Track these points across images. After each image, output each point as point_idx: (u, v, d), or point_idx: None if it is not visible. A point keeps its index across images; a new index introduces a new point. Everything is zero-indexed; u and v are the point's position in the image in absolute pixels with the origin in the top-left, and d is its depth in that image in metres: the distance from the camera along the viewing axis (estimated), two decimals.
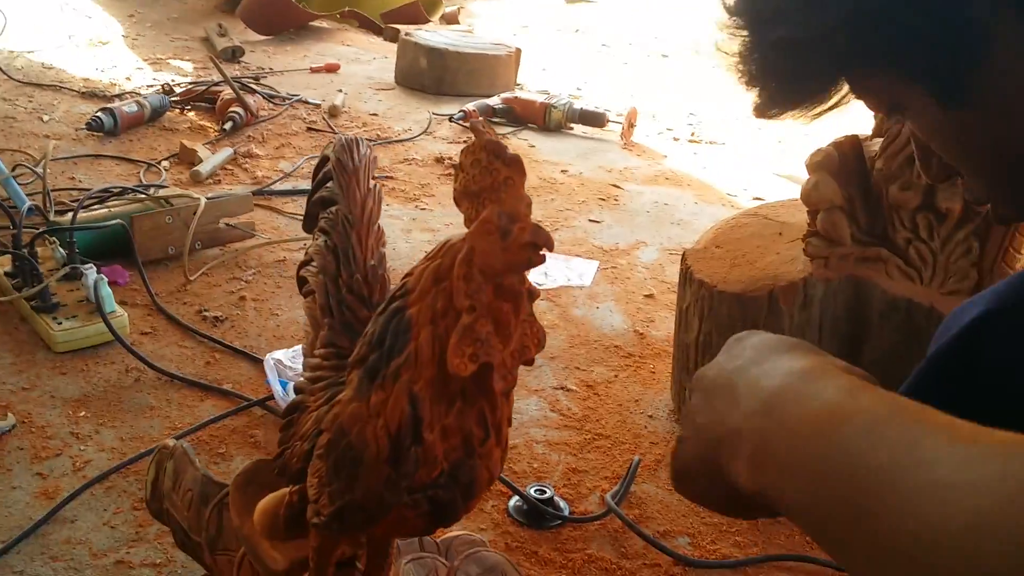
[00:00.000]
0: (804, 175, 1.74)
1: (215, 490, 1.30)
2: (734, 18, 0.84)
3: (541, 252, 0.81)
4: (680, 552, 1.58)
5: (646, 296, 2.49)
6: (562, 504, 1.67)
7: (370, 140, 3.43)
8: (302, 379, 1.11)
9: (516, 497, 1.66)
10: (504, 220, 0.81)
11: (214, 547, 1.26)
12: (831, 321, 1.70)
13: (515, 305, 0.84)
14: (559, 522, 1.63)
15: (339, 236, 1.13)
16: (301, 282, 1.19)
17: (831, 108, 0.87)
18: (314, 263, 1.16)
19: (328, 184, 1.18)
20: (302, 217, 1.27)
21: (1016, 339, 0.85)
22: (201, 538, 1.28)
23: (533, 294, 0.86)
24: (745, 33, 0.84)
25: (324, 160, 1.21)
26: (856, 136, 1.73)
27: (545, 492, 1.66)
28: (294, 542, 1.15)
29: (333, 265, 1.12)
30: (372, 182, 1.18)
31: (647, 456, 1.82)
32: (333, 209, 1.16)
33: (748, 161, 3.86)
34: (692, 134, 4.21)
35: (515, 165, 0.81)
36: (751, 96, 0.88)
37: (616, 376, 2.10)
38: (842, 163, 1.71)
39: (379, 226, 1.15)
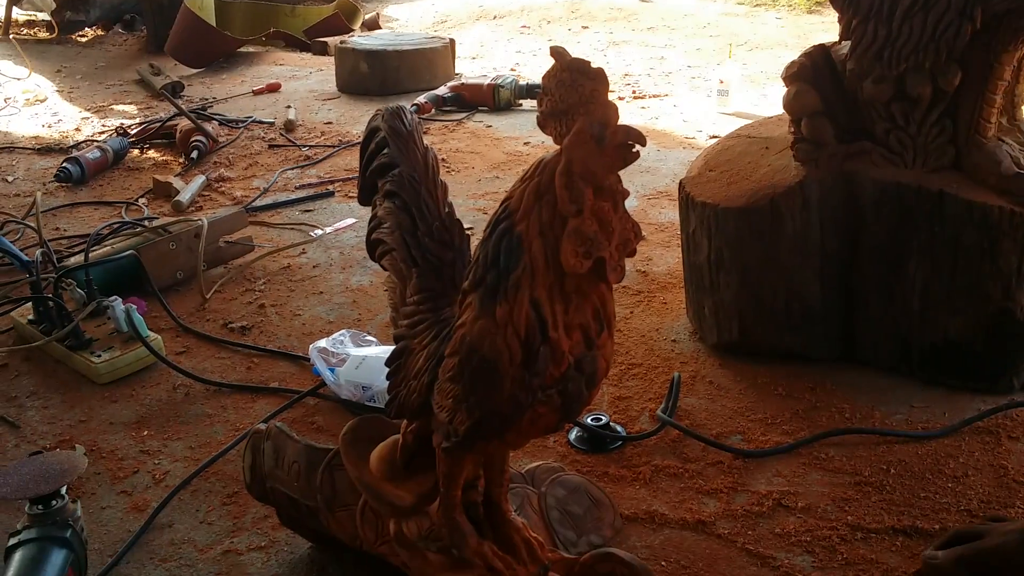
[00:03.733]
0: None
1: (320, 455, 1.39)
2: None
3: (635, 149, 0.92)
4: (737, 448, 1.71)
5: None
6: (618, 428, 1.78)
7: (333, 146, 3.53)
8: (400, 329, 1.21)
9: (576, 428, 1.77)
10: (597, 128, 0.92)
11: (331, 505, 1.35)
12: (831, 217, 1.84)
13: (614, 203, 0.95)
14: (620, 443, 1.74)
15: (409, 194, 1.22)
16: (375, 245, 1.29)
17: None
18: (386, 224, 1.26)
19: (384, 152, 1.28)
20: (357, 192, 1.36)
21: None
22: (316, 501, 1.37)
23: (625, 193, 0.97)
24: None
25: (373, 132, 1.30)
26: (823, 44, 1.87)
27: (601, 419, 1.77)
28: (413, 480, 1.25)
29: (408, 221, 1.22)
30: (425, 143, 1.28)
31: (683, 373, 1.94)
32: (395, 172, 1.25)
33: (693, 107, 4.00)
34: (634, 92, 4.35)
35: (600, 78, 0.92)
36: None
37: (632, 312, 2.22)
38: (815, 71, 1.85)
39: (442, 180, 1.25)
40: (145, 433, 1.87)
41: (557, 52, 0.93)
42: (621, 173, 0.96)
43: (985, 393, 1.83)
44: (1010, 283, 1.74)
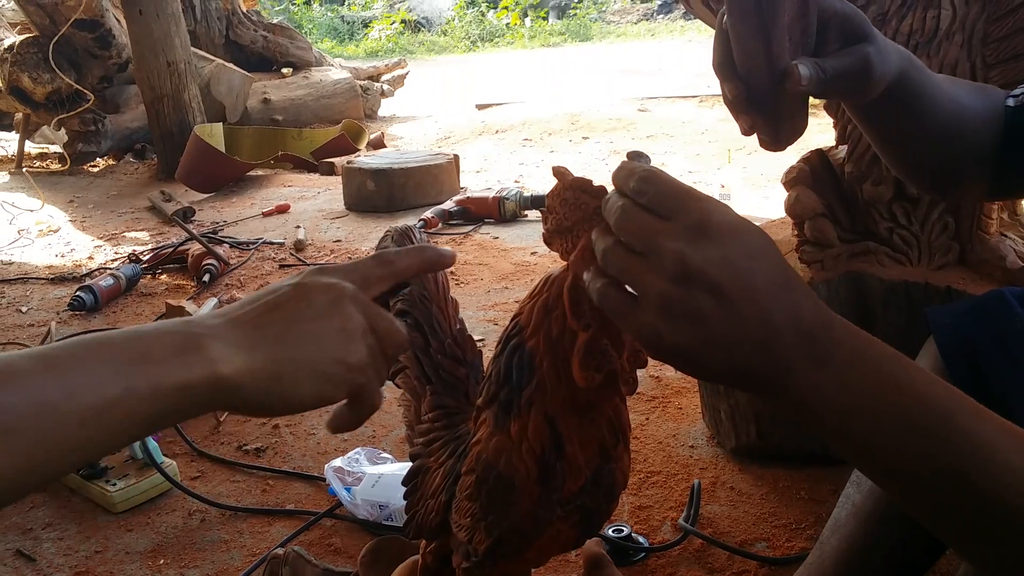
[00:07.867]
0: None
1: None
2: None
3: None
4: (763, 555, 1.68)
5: None
6: (640, 539, 1.75)
7: None
8: (416, 447, 1.21)
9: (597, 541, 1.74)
10: None
11: None
12: (840, 315, 1.84)
13: None
14: (643, 555, 1.71)
15: (420, 312, 1.24)
16: None
17: None
18: None
19: None
20: None
21: None
22: None
23: None
24: None
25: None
26: (820, 149, 1.91)
27: (622, 531, 1.74)
28: None
29: (421, 338, 1.23)
30: None
31: (703, 479, 1.92)
32: (406, 291, 1.27)
33: None
34: None
35: (602, 195, 0.93)
36: None
37: (647, 419, 2.21)
38: (813, 175, 1.88)
39: (452, 296, 1.27)
40: (161, 562, 1.85)
41: (559, 172, 0.95)
42: None
43: None
44: None
